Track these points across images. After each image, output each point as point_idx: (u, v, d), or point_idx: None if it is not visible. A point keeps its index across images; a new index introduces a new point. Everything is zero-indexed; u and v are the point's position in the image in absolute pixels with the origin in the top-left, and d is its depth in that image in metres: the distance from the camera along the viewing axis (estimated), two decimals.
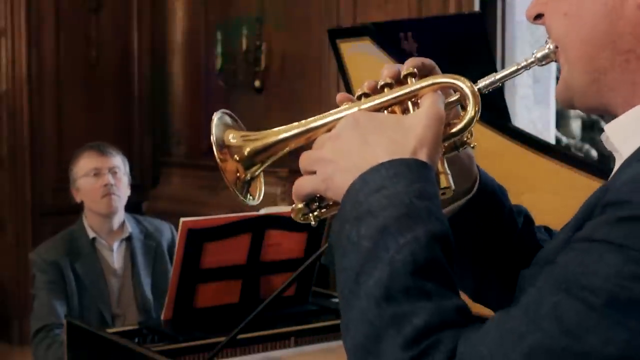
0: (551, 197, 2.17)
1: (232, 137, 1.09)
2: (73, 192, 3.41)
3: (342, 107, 1.08)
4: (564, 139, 6.43)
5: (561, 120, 6.27)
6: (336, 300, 3.08)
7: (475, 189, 1.15)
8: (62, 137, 5.86)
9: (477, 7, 4.28)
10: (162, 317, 2.72)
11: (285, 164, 5.08)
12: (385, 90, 1.07)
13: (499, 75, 1.07)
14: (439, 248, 0.88)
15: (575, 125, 6.60)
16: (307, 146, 1.07)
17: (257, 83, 5.57)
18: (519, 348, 0.80)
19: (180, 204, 5.54)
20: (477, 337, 0.83)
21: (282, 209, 3.28)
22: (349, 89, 2.77)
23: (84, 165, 3.36)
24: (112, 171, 3.35)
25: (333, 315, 2.91)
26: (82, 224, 3.40)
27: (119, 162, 3.40)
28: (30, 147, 5.74)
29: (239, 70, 5.70)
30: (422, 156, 0.95)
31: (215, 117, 1.09)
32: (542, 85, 4.49)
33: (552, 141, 4.66)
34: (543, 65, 1.06)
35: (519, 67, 1.07)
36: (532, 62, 1.06)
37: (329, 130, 1.05)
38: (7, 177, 5.72)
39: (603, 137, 1.00)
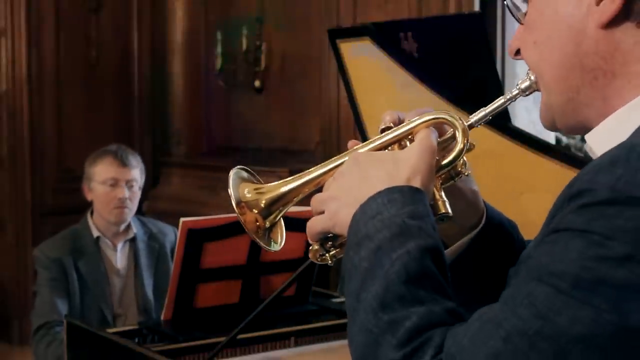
0: (551, 197, 2.17)
1: (247, 192, 1.19)
2: (85, 189, 3.41)
3: (345, 152, 1.17)
4: (564, 139, 6.43)
5: None
6: (336, 300, 3.08)
7: (482, 223, 1.21)
8: (62, 137, 5.86)
9: (477, 7, 4.29)
10: (162, 317, 2.72)
11: (286, 165, 5.09)
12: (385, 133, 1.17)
13: (488, 110, 1.16)
14: (430, 259, 0.96)
15: None
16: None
17: (257, 83, 5.57)
18: (497, 334, 0.86)
19: (180, 204, 5.54)
20: (461, 331, 0.90)
21: None
22: (349, 89, 2.77)
23: (103, 171, 3.35)
24: (129, 184, 3.35)
25: (333, 315, 2.91)
26: (86, 223, 3.40)
27: (137, 174, 3.39)
28: (30, 147, 5.74)
29: (239, 70, 5.70)
30: (416, 183, 1.04)
31: (231, 174, 1.19)
32: None
33: (552, 141, 4.66)
34: (527, 95, 1.14)
35: (506, 99, 1.16)
36: (516, 94, 1.14)
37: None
38: (7, 177, 5.72)
39: (586, 147, 1.07)
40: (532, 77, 1.11)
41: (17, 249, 5.71)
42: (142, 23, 6.20)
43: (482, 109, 1.16)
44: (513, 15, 1.12)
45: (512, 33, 4.35)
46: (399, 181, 1.04)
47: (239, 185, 1.19)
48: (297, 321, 2.78)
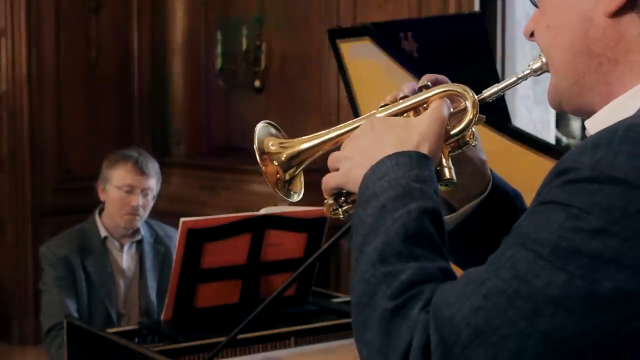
0: None
1: (272, 145, 1.28)
2: (99, 189, 3.40)
3: (363, 116, 1.26)
4: (564, 139, 6.43)
5: (561, 121, 6.27)
6: (336, 300, 3.08)
7: (488, 190, 1.30)
8: (62, 137, 5.86)
9: (477, 7, 4.29)
10: (162, 317, 2.72)
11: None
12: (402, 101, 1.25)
13: (500, 86, 1.25)
14: (428, 220, 1.04)
15: (575, 125, 6.60)
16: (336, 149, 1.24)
17: (257, 83, 5.57)
18: (478, 291, 0.95)
19: (180, 204, 5.54)
20: (449, 287, 0.98)
21: (282, 209, 3.29)
22: (349, 89, 2.77)
23: (121, 177, 3.33)
24: (144, 192, 3.34)
25: (333, 315, 2.91)
26: (94, 222, 3.40)
27: (153, 183, 3.38)
28: (30, 147, 5.74)
29: (239, 70, 5.70)
30: (424, 149, 1.12)
31: (258, 127, 1.27)
32: (542, 85, 4.48)
33: (552, 141, 4.67)
34: (538, 75, 1.22)
35: (518, 77, 1.25)
36: (528, 74, 1.23)
37: None
38: (7, 177, 5.71)
39: (587, 132, 1.13)
40: (544, 59, 1.18)
41: (17, 249, 5.71)
42: (142, 23, 6.20)
43: (495, 85, 1.25)
44: (531, 0, 1.19)
45: (512, 33, 4.35)
46: (409, 146, 1.12)
47: (264, 139, 1.27)
48: (297, 321, 2.78)
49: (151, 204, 3.40)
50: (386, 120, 1.18)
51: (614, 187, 0.91)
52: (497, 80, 2.38)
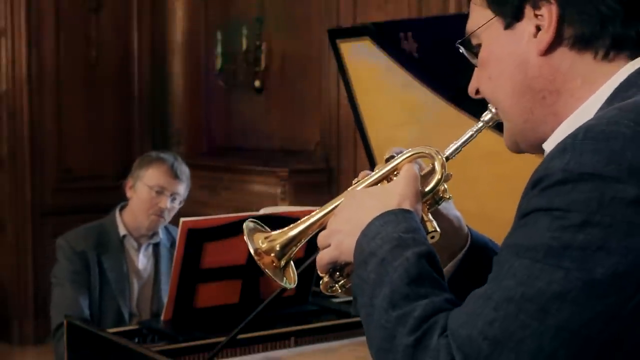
0: None
1: (262, 242, 1.36)
2: (127, 185, 3.39)
3: (341, 194, 1.33)
4: None
5: None
6: (336, 300, 3.08)
7: (468, 244, 1.39)
8: (62, 137, 5.86)
9: None
10: (162, 317, 2.72)
11: (286, 165, 5.09)
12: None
13: (460, 141, 1.34)
14: (425, 262, 1.12)
15: None
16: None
17: (257, 83, 5.58)
18: (488, 305, 1.01)
19: None
20: (459, 311, 1.05)
21: (282, 209, 3.29)
22: (349, 89, 2.77)
23: (154, 177, 3.33)
24: (173, 196, 3.35)
25: (333, 315, 2.91)
26: (114, 219, 3.39)
27: (183, 189, 3.38)
28: (30, 147, 5.74)
29: (239, 70, 5.70)
30: (405, 206, 1.22)
31: (244, 228, 1.36)
32: None
33: None
34: (490, 125, 1.32)
35: (473, 131, 1.34)
36: (481, 126, 1.33)
37: None
38: (7, 177, 5.72)
39: (545, 153, 1.21)
40: (493, 110, 1.29)
41: (17, 249, 5.71)
42: (142, 23, 6.20)
43: (454, 142, 1.34)
44: (470, 62, 1.28)
45: None
46: (391, 206, 1.21)
47: (253, 236, 1.37)
48: (297, 321, 2.78)
49: (176, 209, 3.40)
50: (365, 191, 1.29)
51: (586, 183, 0.99)
52: None
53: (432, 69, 2.47)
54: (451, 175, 1.33)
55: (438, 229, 1.28)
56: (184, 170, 3.41)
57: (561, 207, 1.00)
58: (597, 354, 0.97)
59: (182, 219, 2.62)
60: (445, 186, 1.33)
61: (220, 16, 5.89)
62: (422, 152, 1.31)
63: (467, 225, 1.42)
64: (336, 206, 1.31)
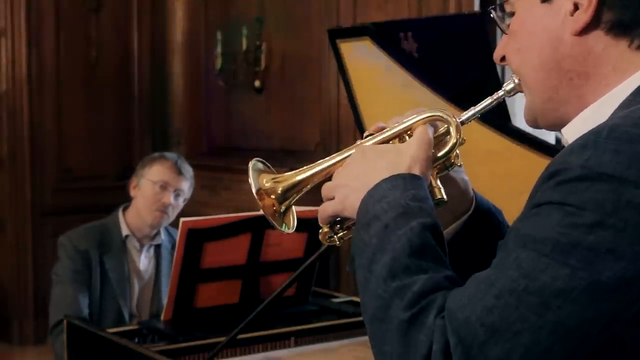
0: None
1: (266, 181, 1.34)
2: (131, 185, 3.43)
3: (352, 145, 1.31)
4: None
5: None
6: (336, 300, 3.08)
7: (472, 208, 1.38)
8: (62, 137, 5.86)
9: (477, 7, 4.28)
10: (162, 317, 2.72)
11: (286, 164, 5.09)
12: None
13: (477, 108, 1.32)
14: (430, 235, 1.11)
15: None
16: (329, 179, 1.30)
17: (257, 83, 5.57)
18: (490, 292, 1.01)
19: None
20: (460, 292, 1.04)
21: None
22: (349, 89, 2.77)
23: (158, 172, 3.36)
24: (177, 192, 3.38)
25: (333, 315, 2.91)
26: (116, 219, 3.40)
27: (186, 187, 3.42)
28: (30, 147, 5.74)
29: (239, 70, 5.70)
30: (415, 171, 1.19)
31: (250, 165, 1.33)
32: None
33: (552, 141, 4.66)
34: (511, 96, 1.29)
35: (492, 100, 1.31)
36: (502, 95, 1.30)
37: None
38: (7, 177, 5.72)
39: (562, 140, 1.21)
40: (516, 80, 1.26)
41: (17, 249, 5.71)
42: (142, 23, 6.20)
43: (472, 108, 1.32)
44: (499, 27, 1.27)
45: None
46: (401, 169, 1.18)
47: (258, 176, 1.34)
48: (297, 321, 2.78)
49: (180, 207, 3.43)
50: (376, 148, 1.25)
51: (604, 183, 0.98)
52: (497, 80, 2.38)
53: (432, 69, 2.47)
54: (465, 140, 1.30)
55: (445, 197, 1.27)
56: (188, 168, 3.46)
57: (575, 204, 0.99)
58: (594, 353, 0.97)
59: (182, 219, 2.62)
60: (458, 152, 1.31)
61: (220, 16, 5.89)
62: (437, 115, 1.28)
63: (472, 189, 1.40)
64: (345, 157, 1.28)
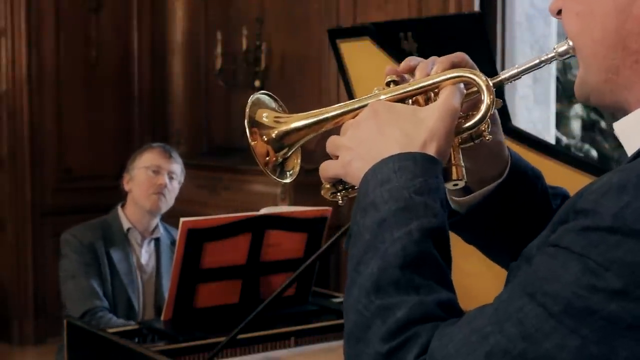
0: None
1: (265, 117, 1.14)
2: (125, 179, 3.47)
3: (368, 95, 1.13)
4: (564, 139, 6.43)
5: (561, 120, 6.27)
6: (336, 300, 3.08)
7: (505, 174, 1.19)
8: (62, 137, 5.86)
9: (477, 7, 4.28)
10: (162, 317, 2.72)
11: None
12: (411, 80, 1.14)
13: (521, 68, 1.12)
14: (431, 242, 0.94)
15: (575, 125, 6.60)
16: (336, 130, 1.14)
17: (257, 83, 5.57)
18: (481, 348, 0.85)
19: (180, 204, 5.54)
20: (449, 333, 0.87)
21: (282, 209, 3.28)
22: (349, 89, 2.77)
23: (148, 159, 3.43)
24: (170, 175, 3.43)
25: (333, 315, 2.91)
26: (116, 215, 3.44)
27: (178, 169, 3.48)
28: (30, 147, 5.74)
29: (239, 70, 5.70)
30: (431, 149, 1.01)
31: (255, 95, 1.15)
32: (542, 85, 4.49)
33: (552, 141, 4.66)
34: (563, 59, 1.10)
35: (540, 60, 1.11)
36: (552, 57, 1.10)
37: (355, 116, 1.11)
38: (7, 177, 5.72)
39: (615, 132, 1.04)
40: (571, 42, 1.07)
41: (17, 249, 5.70)
42: (142, 23, 6.20)
43: (514, 67, 1.13)
44: None
45: (512, 33, 4.35)
46: (414, 145, 1.01)
47: (258, 109, 1.14)
48: (297, 321, 2.78)
49: (176, 190, 3.47)
50: (392, 109, 1.06)
51: (638, 242, 0.81)
52: None
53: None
54: (501, 103, 1.14)
55: (464, 177, 1.09)
56: (176, 153, 3.53)
57: (599, 261, 0.81)
58: None
59: (182, 219, 2.62)
60: (489, 121, 1.11)
61: (220, 16, 5.89)
62: (467, 77, 1.09)
63: (509, 150, 1.21)
64: (359, 108, 1.11)
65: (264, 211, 2.79)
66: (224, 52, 5.74)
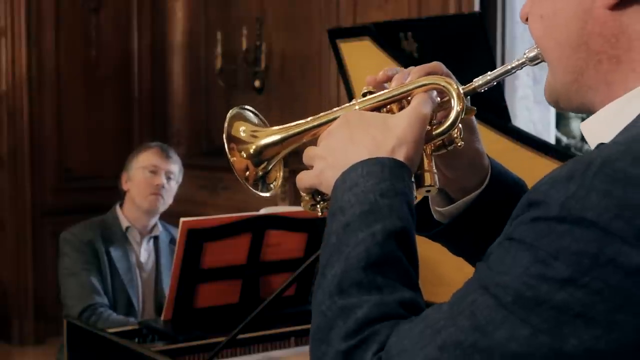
0: None
1: (242, 131, 1.15)
2: (122, 179, 3.48)
3: (343, 106, 1.16)
4: (564, 139, 6.43)
5: (561, 120, 6.27)
6: None
7: (485, 183, 1.19)
8: (62, 137, 5.86)
9: (477, 7, 4.28)
10: (162, 317, 2.72)
11: (286, 165, 5.08)
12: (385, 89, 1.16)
13: (492, 75, 1.13)
14: (394, 244, 0.95)
15: (575, 125, 6.60)
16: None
17: (257, 83, 5.57)
18: (434, 341, 0.85)
19: (180, 204, 5.54)
20: (406, 329, 0.88)
21: (282, 209, 3.29)
22: (349, 89, 2.77)
23: (146, 159, 3.44)
24: (168, 175, 3.45)
25: None
26: (115, 214, 3.45)
27: (176, 169, 3.49)
28: (30, 147, 5.74)
29: (239, 70, 5.70)
30: (400, 155, 1.03)
31: (233, 110, 1.17)
32: (542, 85, 4.47)
33: (552, 141, 4.66)
34: (534, 64, 1.11)
35: (511, 66, 1.13)
36: (522, 63, 1.12)
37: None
38: (7, 177, 5.71)
39: (584, 134, 1.05)
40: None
41: (17, 249, 5.70)
42: (142, 23, 6.20)
43: (486, 74, 1.14)
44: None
45: (512, 33, 4.35)
46: (383, 151, 1.03)
47: (235, 123, 1.16)
48: (297, 321, 2.78)
49: (173, 189, 3.49)
50: (362, 117, 1.08)
51: (585, 231, 0.81)
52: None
53: None
54: (475, 110, 1.14)
55: (437, 184, 1.10)
56: (174, 152, 3.54)
57: (548, 250, 0.82)
58: None
59: (182, 219, 2.62)
60: (461, 127, 1.12)
61: (220, 16, 5.88)
62: (441, 85, 1.10)
63: (491, 160, 1.21)
64: (334, 119, 1.12)
65: (264, 211, 2.80)
66: (224, 52, 5.74)
